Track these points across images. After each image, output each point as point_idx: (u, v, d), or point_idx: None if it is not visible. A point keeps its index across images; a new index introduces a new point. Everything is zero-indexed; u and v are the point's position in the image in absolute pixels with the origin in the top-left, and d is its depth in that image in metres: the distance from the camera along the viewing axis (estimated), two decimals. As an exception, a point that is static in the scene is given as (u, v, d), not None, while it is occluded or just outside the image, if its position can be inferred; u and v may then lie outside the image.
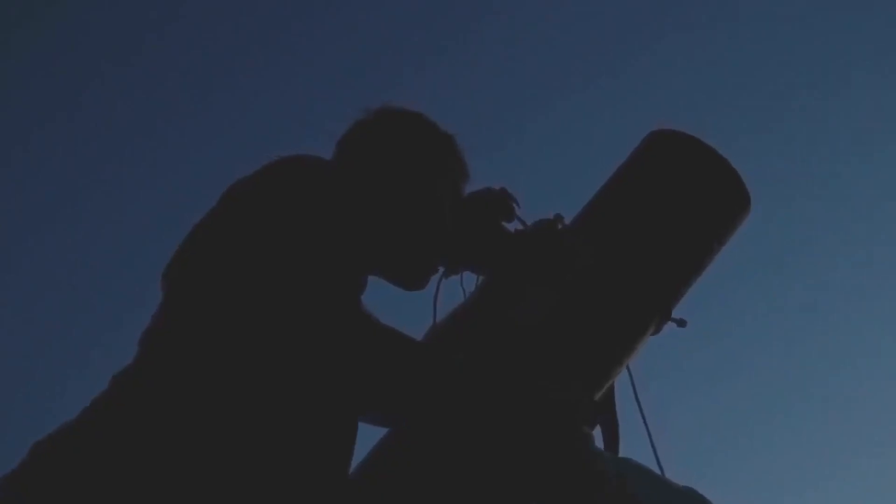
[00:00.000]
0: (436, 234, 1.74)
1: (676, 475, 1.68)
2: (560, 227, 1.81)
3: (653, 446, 1.80)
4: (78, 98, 5.50)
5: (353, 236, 1.57)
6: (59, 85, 5.48)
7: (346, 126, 1.81)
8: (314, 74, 5.66)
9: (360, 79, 5.42)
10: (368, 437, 1.64)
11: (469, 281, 1.85)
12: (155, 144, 5.51)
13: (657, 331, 1.81)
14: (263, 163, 1.60)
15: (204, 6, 5.61)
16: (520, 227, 1.85)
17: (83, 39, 5.55)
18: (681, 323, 1.81)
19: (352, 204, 1.59)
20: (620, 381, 1.80)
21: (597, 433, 1.72)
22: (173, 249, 1.59)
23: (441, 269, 1.82)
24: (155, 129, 5.50)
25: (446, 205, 1.77)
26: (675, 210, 1.82)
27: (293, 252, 1.49)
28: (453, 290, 1.83)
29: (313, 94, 5.57)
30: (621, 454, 1.76)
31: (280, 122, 5.52)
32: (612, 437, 1.76)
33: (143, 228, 5.43)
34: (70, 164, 5.52)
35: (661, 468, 1.75)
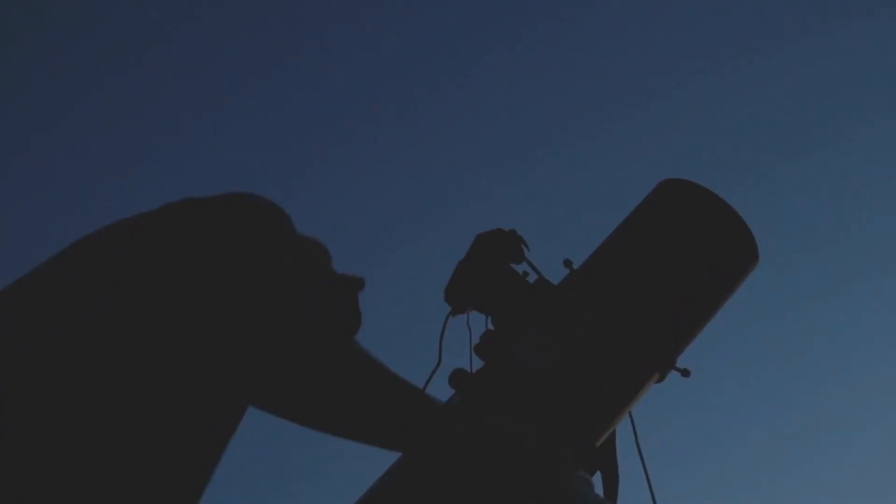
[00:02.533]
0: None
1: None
2: (569, 272, 1.82)
3: (652, 496, 1.80)
4: (78, 99, 5.53)
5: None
6: (60, 86, 5.52)
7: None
8: (315, 98, 5.69)
9: (370, 108, 5.46)
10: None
11: (476, 320, 1.86)
12: (154, 145, 5.54)
13: (661, 379, 1.81)
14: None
15: (205, 7, 5.66)
16: (528, 269, 1.87)
17: (83, 41, 5.59)
18: (685, 373, 1.81)
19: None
20: (622, 429, 1.81)
21: (597, 479, 1.73)
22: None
23: (448, 309, 1.84)
24: (154, 132, 5.53)
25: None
26: (683, 259, 1.83)
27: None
28: (460, 330, 1.84)
29: (312, 114, 5.60)
30: (620, 502, 1.76)
31: (280, 129, 5.55)
32: (611, 485, 1.76)
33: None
34: (70, 166, 5.54)
35: (659, 517, 1.75)
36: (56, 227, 5.46)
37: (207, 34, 5.57)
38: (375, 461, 1.66)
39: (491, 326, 1.84)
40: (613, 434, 1.80)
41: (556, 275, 1.85)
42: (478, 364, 1.78)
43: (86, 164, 5.52)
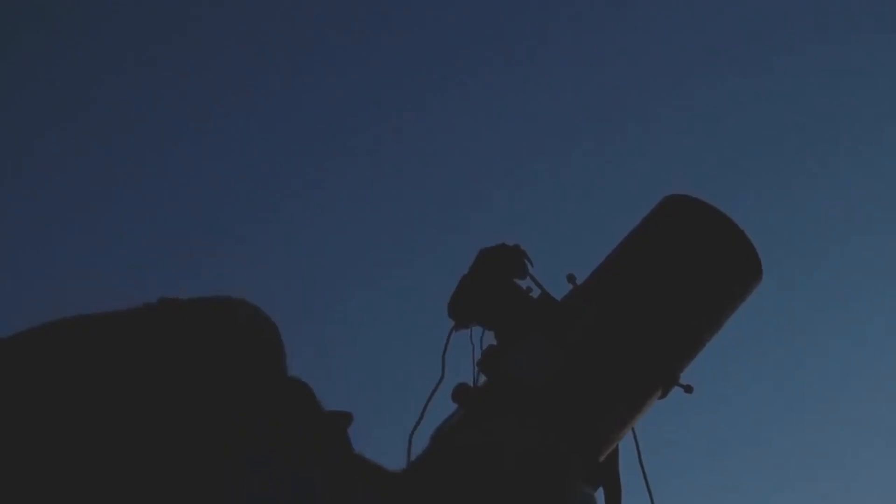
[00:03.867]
0: None
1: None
2: (573, 287, 1.83)
3: (654, 511, 1.80)
4: (79, 100, 5.54)
5: None
6: (60, 89, 5.52)
7: None
8: (317, 106, 5.69)
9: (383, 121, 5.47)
10: None
11: (479, 335, 1.87)
12: (156, 149, 5.54)
13: (664, 395, 1.81)
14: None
15: (204, 7, 5.67)
16: (532, 284, 1.87)
17: (84, 42, 5.60)
18: (687, 389, 1.81)
19: None
20: (624, 444, 1.81)
21: (599, 495, 1.73)
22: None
23: (451, 323, 1.84)
24: (159, 135, 5.53)
25: None
26: (686, 276, 1.83)
27: None
28: (464, 345, 1.85)
29: (314, 124, 5.60)
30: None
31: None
32: (614, 500, 1.76)
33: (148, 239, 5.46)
34: (71, 167, 5.55)
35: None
36: (56, 229, 5.47)
37: (209, 37, 5.59)
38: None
39: (494, 341, 1.84)
40: (616, 450, 1.80)
41: (559, 291, 1.86)
42: (481, 379, 1.78)
43: (87, 165, 5.52)
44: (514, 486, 1.54)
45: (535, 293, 1.87)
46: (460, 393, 1.73)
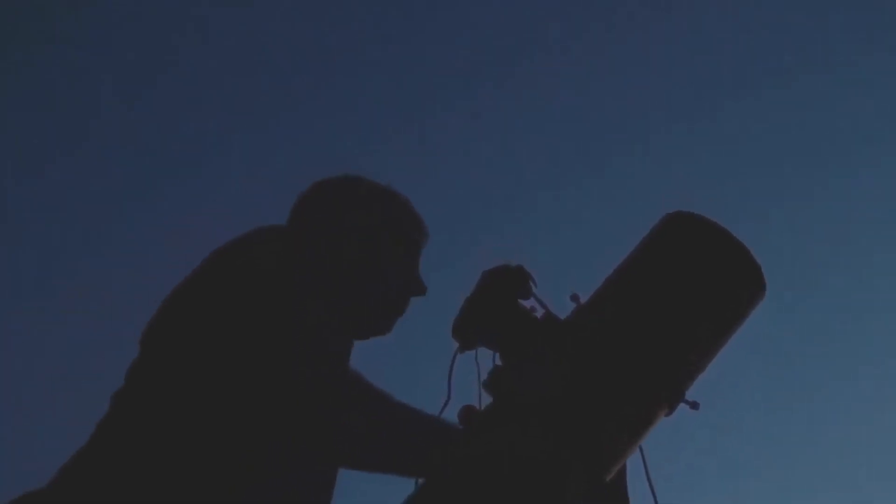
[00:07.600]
0: (375, 285, 2.02)
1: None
2: (576, 306, 1.83)
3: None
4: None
5: (321, 293, 1.78)
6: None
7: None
8: (317, 118, 5.70)
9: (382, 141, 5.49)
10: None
11: (484, 356, 1.87)
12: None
13: (670, 412, 1.81)
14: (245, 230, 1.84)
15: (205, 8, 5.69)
16: (536, 304, 1.87)
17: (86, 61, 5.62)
18: (693, 405, 1.81)
19: (312, 267, 1.83)
20: (632, 462, 1.81)
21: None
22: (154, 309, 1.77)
23: (456, 345, 1.85)
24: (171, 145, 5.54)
25: (388, 257, 2.05)
26: (690, 292, 1.83)
27: (276, 312, 1.67)
28: (469, 366, 1.85)
29: (315, 140, 5.62)
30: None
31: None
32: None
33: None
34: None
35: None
36: (56, 229, 5.48)
37: (209, 38, 5.61)
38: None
39: (499, 362, 1.85)
40: (624, 468, 1.80)
41: (562, 312, 1.86)
42: (486, 400, 1.78)
43: (87, 166, 5.54)
44: (515, 492, 1.55)
45: (539, 313, 1.87)
46: (466, 413, 1.74)
